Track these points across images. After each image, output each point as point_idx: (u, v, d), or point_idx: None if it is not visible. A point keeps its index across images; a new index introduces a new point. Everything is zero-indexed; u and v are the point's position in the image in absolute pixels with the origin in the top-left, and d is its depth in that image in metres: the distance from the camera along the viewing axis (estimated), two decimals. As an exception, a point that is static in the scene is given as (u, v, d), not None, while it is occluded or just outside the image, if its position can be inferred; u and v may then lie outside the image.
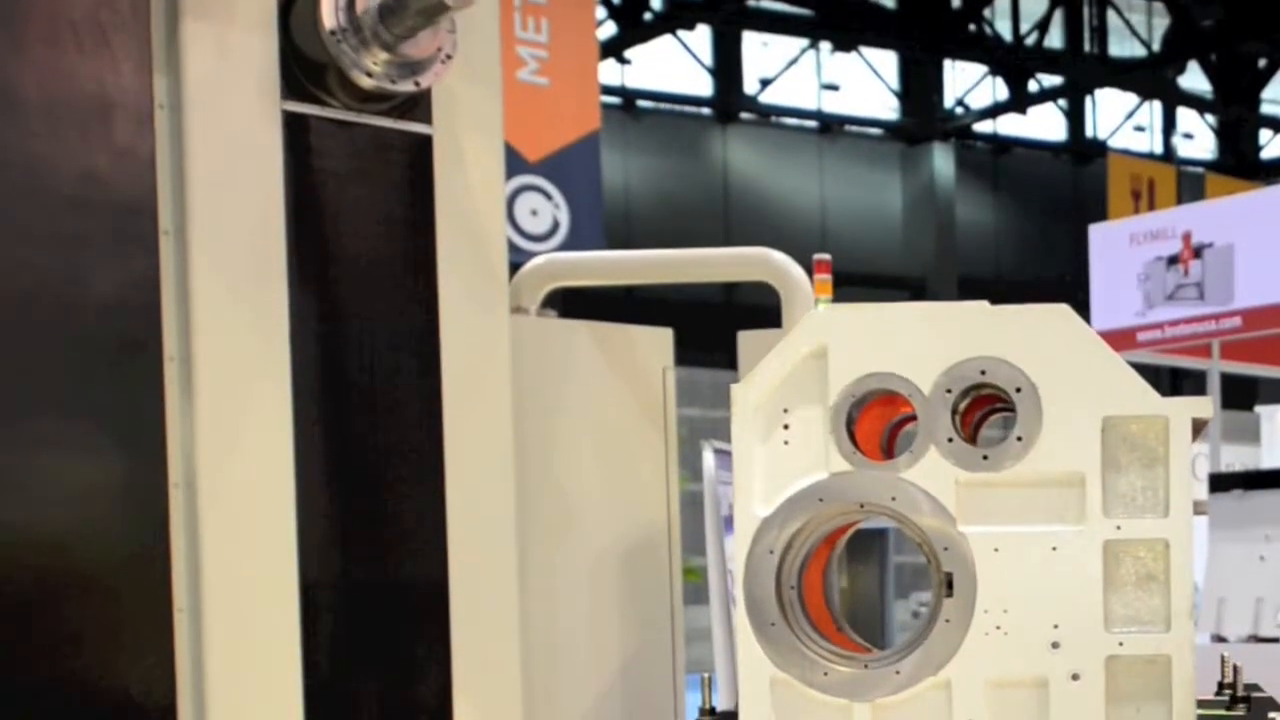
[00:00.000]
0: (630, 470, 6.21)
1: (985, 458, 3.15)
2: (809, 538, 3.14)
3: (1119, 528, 3.16)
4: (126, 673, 5.24)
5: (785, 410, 3.12)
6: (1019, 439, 3.15)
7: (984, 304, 3.20)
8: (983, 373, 3.16)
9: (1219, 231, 16.08)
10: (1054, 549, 3.14)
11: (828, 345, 3.13)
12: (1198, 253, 16.18)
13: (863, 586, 14.70)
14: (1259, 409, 14.93)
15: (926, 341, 3.15)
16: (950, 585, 3.13)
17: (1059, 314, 3.21)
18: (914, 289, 37.59)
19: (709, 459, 8.44)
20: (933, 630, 3.13)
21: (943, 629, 3.13)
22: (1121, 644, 3.15)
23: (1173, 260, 16.42)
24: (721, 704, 3.39)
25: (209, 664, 4.85)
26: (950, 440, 3.14)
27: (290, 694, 4.97)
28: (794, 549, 3.14)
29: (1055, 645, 3.14)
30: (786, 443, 3.12)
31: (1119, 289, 16.63)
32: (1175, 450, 3.20)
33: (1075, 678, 3.14)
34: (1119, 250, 16.93)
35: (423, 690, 5.30)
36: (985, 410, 3.36)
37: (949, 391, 3.15)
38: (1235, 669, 3.28)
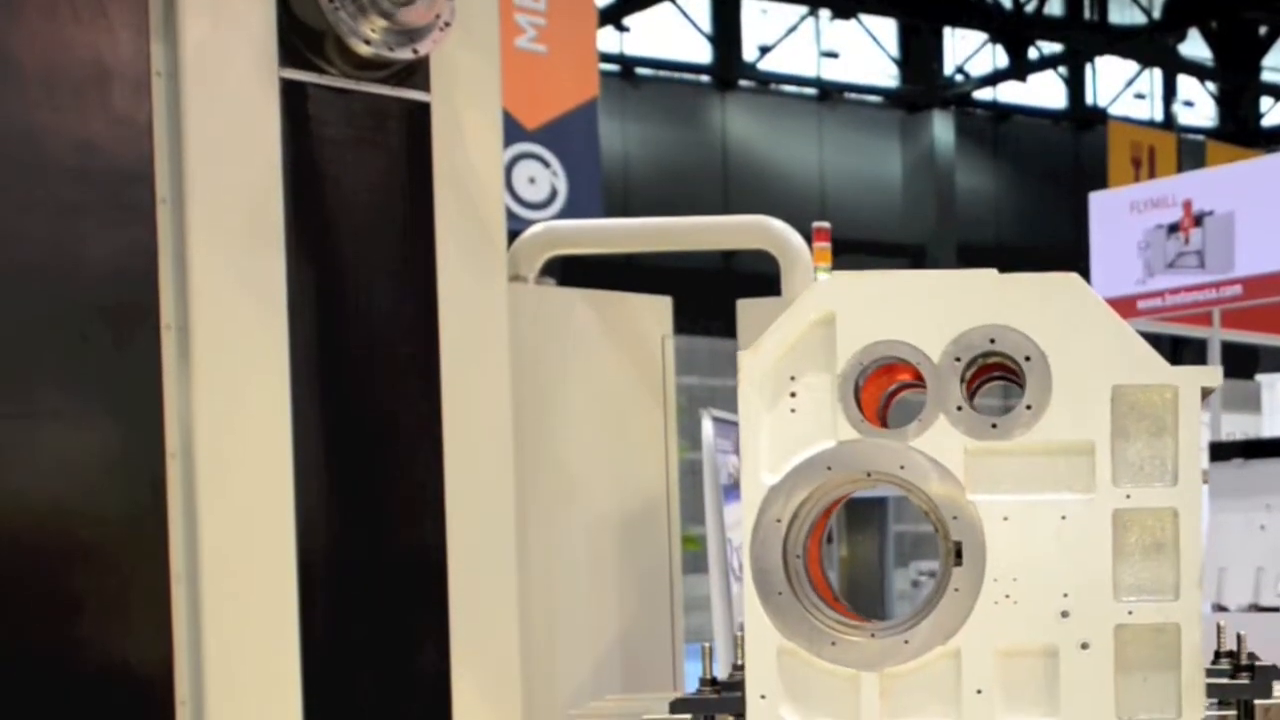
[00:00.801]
0: (629, 439, 6.21)
1: (994, 426, 3.13)
2: (815, 506, 3.13)
3: (1128, 496, 3.15)
4: (123, 640, 5.23)
5: (792, 378, 3.10)
6: (1028, 408, 3.14)
7: (992, 272, 3.18)
8: (992, 341, 3.14)
9: (1220, 199, 16.05)
10: (1063, 518, 3.13)
11: (835, 312, 3.11)
12: (1198, 220, 16.15)
13: (862, 555, 14.70)
14: (1259, 377, 14.93)
15: (935, 309, 3.13)
16: (959, 554, 3.12)
17: (1068, 282, 3.19)
18: (913, 256, 37.56)
19: (708, 427, 8.43)
20: (941, 599, 3.12)
21: (951, 598, 3.12)
22: (1131, 613, 3.14)
23: (1173, 228, 16.39)
24: (720, 673, 3.36)
25: (206, 632, 4.84)
26: (959, 409, 3.13)
27: (287, 662, 4.97)
28: (800, 518, 3.13)
29: (1064, 614, 3.13)
30: (793, 410, 3.10)
31: (1119, 257, 16.60)
32: (1184, 419, 3.19)
33: (1084, 647, 3.13)
34: (1119, 218, 16.89)
35: (421, 658, 5.29)
36: (983, 378, 3.35)
37: (958, 360, 3.14)
38: (1239, 637, 3.28)
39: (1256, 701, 3.24)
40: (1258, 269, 15.68)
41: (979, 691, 3.11)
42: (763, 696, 3.07)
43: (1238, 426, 14.73)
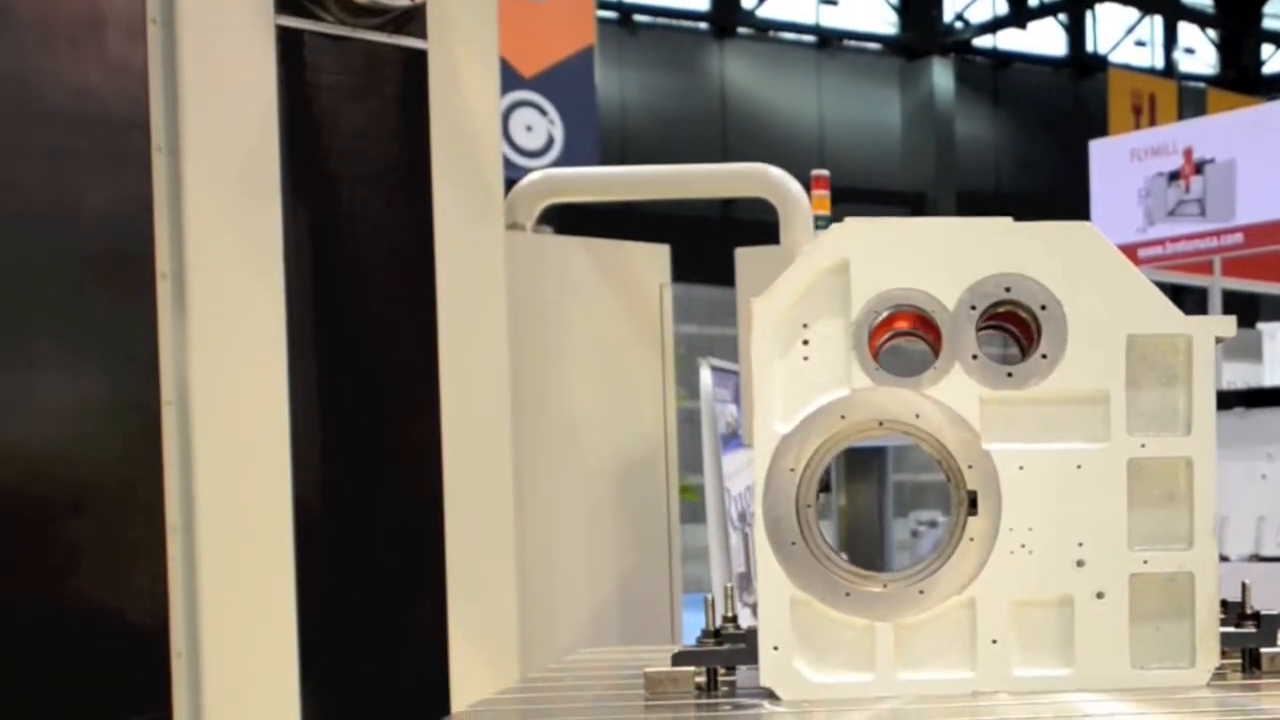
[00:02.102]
0: (627, 388, 6.19)
1: (1010, 375, 3.13)
2: (826, 455, 3.11)
3: (1143, 445, 3.16)
4: (118, 592, 5.23)
5: (805, 325, 3.08)
6: (1043, 357, 3.13)
7: (1007, 220, 3.17)
8: (1007, 289, 3.13)
9: (1221, 147, 16.01)
10: (1079, 467, 3.14)
11: (849, 259, 3.10)
12: (1199, 169, 16.12)
13: (862, 505, 14.72)
14: (1261, 326, 14.88)
15: (950, 257, 3.12)
16: (974, 504, 3.11)
17: (1084, 231, 3.20)
18: (913, 204, 37.55)
19: (706, 376, 8.41)
20: (956, 549, 3.11)
21: (966, 548, 3.11)
22: (1146, 562, 3.15)
23: (1174, 176, 16.37)
24: (716, 623, 3.35)
25: (201, 583, 4.83)
26: (974, 357, 3.12)
27: (283, 611, 4.96)
28: (811, 467, 3.11)
29: (1080, 564, 3.14)
30: (806, 358, 3.08)
31: (1119, 205, 16.57)
32: (1198, 368, 3.22)
33: (1100, 596, 3.14)
34: (1119, 166, 16.87)
35: (418, 608, 5.29)
36: (982, 329, 3.34)
37: (973, 308, 3.13)
38: (1244, 586, 3.28)
39: (1263, 650, 3.26)
40: (1259, 217, 15.66)
41: (994, 642, 3.11)
42: (776, 648, 3.06)
43: (1238, 375, 14.69)
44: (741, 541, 8.15)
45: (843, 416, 3.10)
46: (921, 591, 3.12)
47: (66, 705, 5.12)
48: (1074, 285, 3.16)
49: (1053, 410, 3.16)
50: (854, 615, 3.09)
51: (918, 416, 3.12)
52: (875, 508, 14.96)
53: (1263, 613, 3.31)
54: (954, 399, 3.12)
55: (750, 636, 3.18)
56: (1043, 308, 3.16)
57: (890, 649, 3.09)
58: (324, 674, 5.04)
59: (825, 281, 3.12)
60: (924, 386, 3.12)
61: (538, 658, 5.49)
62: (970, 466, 3.13)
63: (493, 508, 5.42)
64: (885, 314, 3.14)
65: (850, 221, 3.15)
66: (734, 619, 3.32)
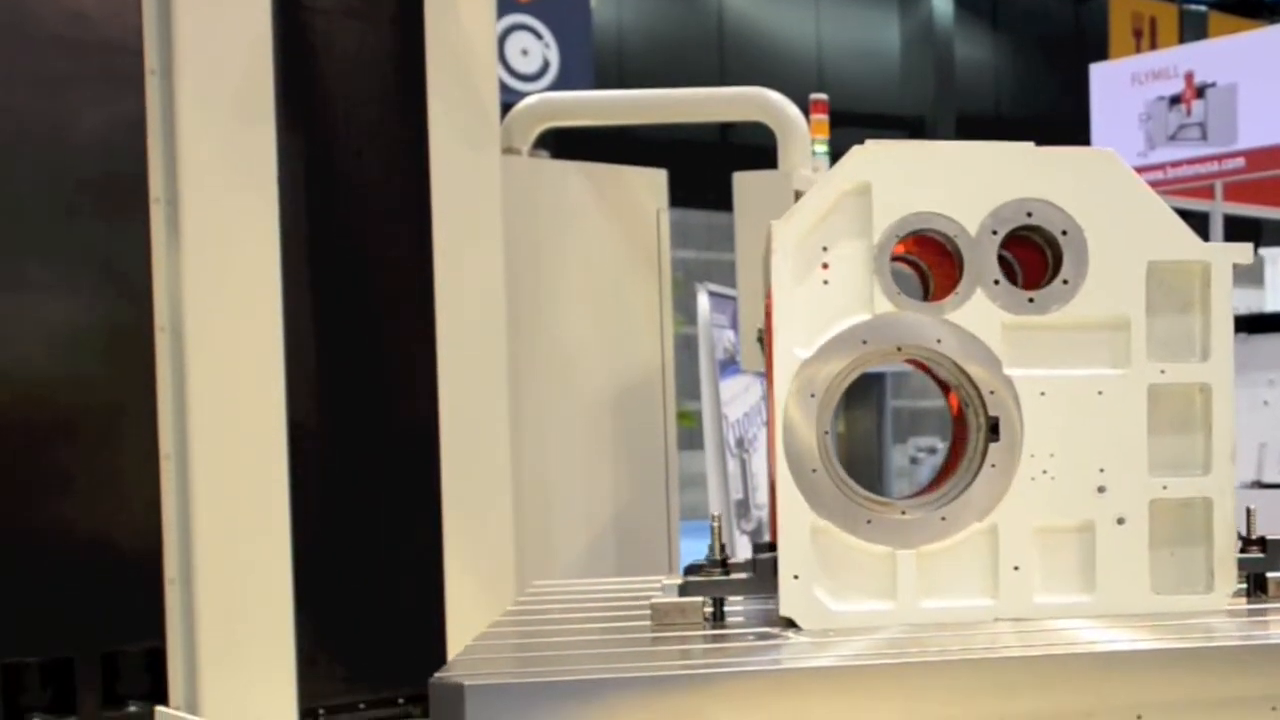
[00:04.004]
0: (623, 313, 6.17)
1: (1031, 301, 3.11)
2: (845, 380, 3.09)
3: (1163, 372, 3.15)
4: (112, 519, 5.23)
5: (824, 249, 3.05)
6: (1064, 282, 3.11)
7: (1029, 145, 3.15)
8: (1029, 215, 3.11)
9: (1222, 71, 15.93)
10: (1099, 393, 3.13)
11: (871, 182, 3.07)
12: (1200, 93, 16.04)
13: (860, 431, 14.69)
14: (1263, 251, 14.86)
15: (972, 181, 3.09)
16: (996, 429, 3.09)
17: (1104, 157, 3.17)
18: (912, 128, 37.42)
19: (703, 302, 8.40)
20: (978, 476, 3.09)
21: (988, 474, 3.09)
22: (1165, 487, 3.15)
23: (1175, 100, 16.29)
24: (719, 552, 3.32)
25: (195, 508, 4.81)
26: (996, 283, 3.09)
27: (278, 539, 4.94)
28: (830, 393, 3.08)
29: (1101, 489, 3.13)
30: (826, 282, 3.05)
31: (1120, 129, 16.50)
32: (1217, 295, 3.22)
33: (1120, 522, 3.13)
34: (1120, 90, 16.79)
35: (412, 532, 5.28)
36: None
37: (995, 233, 3.10)
38: (1248, 512, 3.27)
39: (1269, 575, 3.25)
40: (1260, 141, 15.59)
41: (1016, 568, 3.09)
42: (796, 577, 3.03)
43: (1240, 301, 14.61)
44: (739, 468, 8.14)
45: (864, 341, 3.07)
46: (944, 518, 3.10)
47: (60, 632, 5.13)
48: (1095, 211, 3.14)
49: (1073, 336, 3.14)
50: (875, 543, 3.07)
51: (939, 342, 3.10)
52: (874, 434, 14.92)
53: (1268, 538, 3.30)
54: (975, 324, 3.09)
55: (758, 565, 3.16)
56: (1064, 233, 3.13)
57: (912, 576, 3.07)
58: (318, 599, 5.03)
59: (846, 204, 3.09)
60: (945, 311, 3.10)
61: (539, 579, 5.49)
62: (992, 392, 3.11)
63: (488, 433, 5.40)
64: (907, 238, 3.11)
65: (871, 144, 3.11)
66: (723, 547, 3.29)
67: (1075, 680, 2.67)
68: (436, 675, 2.55)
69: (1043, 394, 3.12)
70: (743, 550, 3.40)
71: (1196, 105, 16.09)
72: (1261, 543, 3.30)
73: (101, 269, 5.25)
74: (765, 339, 3.54)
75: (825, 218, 3.08)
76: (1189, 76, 16.16)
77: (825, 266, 3.07)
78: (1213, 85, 15.97)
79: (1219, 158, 15.92)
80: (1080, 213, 3.13)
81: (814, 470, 3.06)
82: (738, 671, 2.67)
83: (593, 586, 3.82)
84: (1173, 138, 16.22)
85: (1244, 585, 3.28)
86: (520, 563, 5.48)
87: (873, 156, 3.11)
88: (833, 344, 3.07)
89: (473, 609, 5.16)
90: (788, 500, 3.05)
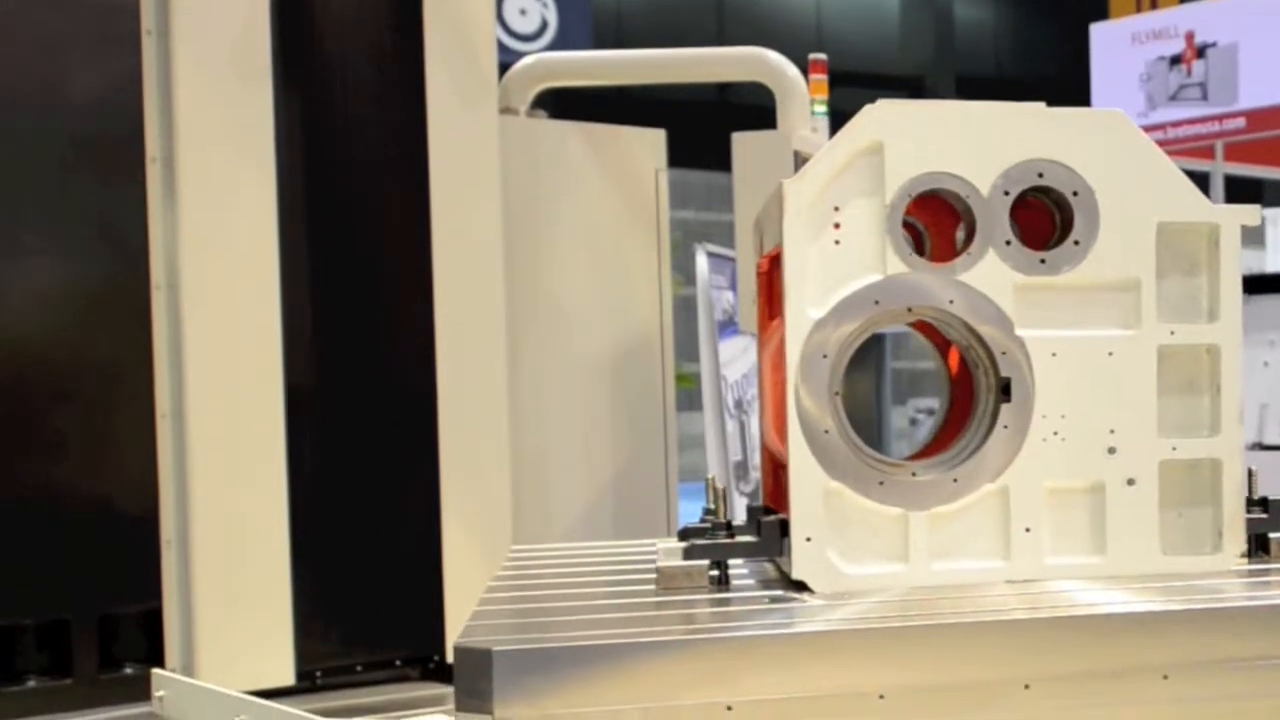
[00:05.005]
0: (622, 274, 6.15)
1: (1043, 261, 3.11)
2: (856, 341, 3.08)
3: (1172, 333, 3.16)
4: (108, 478, 5.21)
5: (836, 208, 3.04)
6: (1076, 243, 3.11)
7: (1040, 105, 3.15)
8: (1040, 175, 3.11)
9: (1223, 30, 15.92)
10: (1110, 354, 3.13)
11: (883, 142, 3.06)
12: (1201, 52, 16.04)
13: (859, 392, 14.66)
14: (1264, 212, 14.87)
15: (984, 141, 3.09)
16: (1007, 390, 3.09)
17: (1115, 119, 3.18)
18: (911, 88, 37.37)
19: (702, 262, 8.37)
20: (990, 437, 3.09)
21: (1000, 435, 3.09)
22: (1175, 449, 3.15)
23: (1175, 60, 16.29)
24: (729, 513, 3.30)
25: (192, 470, 4.80)
26: (1008, 243, 3.09)
27: (274, 500, 4.93)
28: (842, 353, 3.07)
29: (1111, 450, 3.13)
30: (837, 242, 3.04)
31: (1120, 89, 16.50)
32: (1226, 256, 3.24)
33: (1130, 483, 3.14)
34: (1120, 50, 16.79)
35: (410, 492, 5.26)
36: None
37: (1006, 193, 3.09)
38: (1250, 473, 3.27)
39: (1271, 535, 3.26)
40: (1261, 101, 15.60)
41: (1027, 530, 3.10)
42: (809, 539, 3.02)
43: (1241, 262, 14.60)
44: (738, 429, 8.13)
45: (876, 302, 3.07)
46: (955, 480, 3.09)
47: (56, 594, 5.12)
48: (1105, 172, 3.14)
49: (1084, 297, 3.15)
50: (888, 505, 3.07)
51: (951, 302, 3.09)
52: (873, 395, 14.90)
53: (1269, 498, 3.31)
54: (987, 284, 3.09)
55: (764, 528, 3.14)
56: (1075, 194, 3.13)
57: (925, 538, 3.07)
58: (316, 562, 5.02)
59: (858, 163, 3.08)
60: (957, 272, 3.09)
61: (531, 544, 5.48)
62: (1004, 353, 3.11)
63: (486, 394, 5.39)
64: (918, 198, 3.10)
65: (884, 103, 3.11)
66: (713, 510, 3.27)
67: (1105, 641, 2.69)
68: (460, 640, 2.54)
69: (1054, 355, 3.13)
70: (742, 514, 3.38)
71: (1197, 65, 16.08)
72: (1263, 503, 3.31)
73: (98, 229, 5.24)
74: (760, 301, 3.52)
75: (837, 177, 3.07)
76: (1189, 36, 16.14)
77: (837, 226, 3.06)
78: (1213, 45, 15.95)
79: (1220, 118, 15.91)
80: (1091, 173, 3.14)
81: (826, 431, 3.05)
82: (776, 634, 2.68)
83: (574, 551, 3.82)
84: (1173, 98, 16.21)
85: (1246, 546, 3.29)
86: (518, 525, 5.47)
87: (885, 116, 3.10)
88: (845, 304, 3.07)
89: (471, 572, 5.16)
90: (800, 463, 3.04)
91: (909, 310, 3.10)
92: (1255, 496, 3.31)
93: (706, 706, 2.51)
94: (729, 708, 2.52)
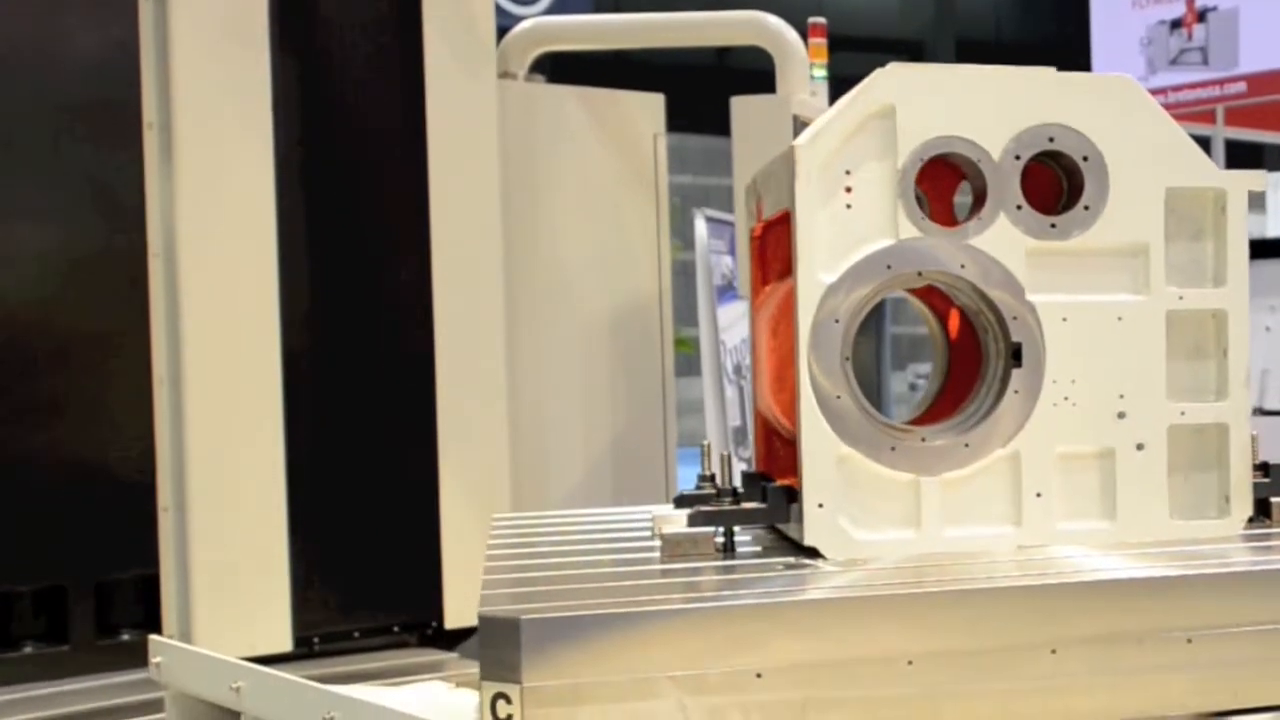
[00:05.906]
0: (620, 239, 6.14)
1: (1054, 226, 3.10)
2: (867, 305, 3.07)
3: (1181, 298, 3.17)
4: (105, 444, 5.20)
5: (847, 172, 3.03)
6: (1086, 208, 3.11)
7: (1051, 70, 3.15)
8: (1051, 140, 3.10)
9: (1224, -6, 15.92)
10: (1119, 319, 3.13)
11: (895, 105, 3.05)
12: (1201, 16, 16.00)
13: (859, 358, 14.64)
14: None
15: (995, 105, 3.09)
16: (1018, 355, 3.08)
17: (1124, 84, 3.18)
18: (911, 52, 37.28)
19: (701, 227, 8.35)
20: (1000, 402, 3.08)
21: (1011, 400, 3.09)
22: (1183, 413, 3.16)
23: (1176, 24, 16.25)
24: (733, 479, 3.29)
25: (189, 435, 4.79)
26: (1019, 208, 3.08)
27: (272, 466, 4.92)
28: (853, 318, 3.06)
29: (1121, 415, 3.14)
30: (849, 206, 3.03)
31: (1121, 53, 16.46)
32: (1233, 221, 3.25)
33: (1140, 448, 3.14)
34: (1121, 13, 16.74)
35: (408, 458, 5.26)
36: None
37: (1017, 158, 3.09)
38: (1253, 438, 3.27)
39: (1272, 500, 3.26)
40: (1262, 65, 15.56)
41: (1038, 495, 3.09)
42: (821, 505, 3.01)
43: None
44: (737, 395, 8.12)
45: (888, 266, 3.06)
46: (967, 445, 3.09)
47: (53, 561, 5.11)
48: (1114, 137, 3.14)
49: (1094, 261, 3.15)
50: (900, 470, 3.06)
51: (963, 267, 3.08)
52: (873, 361, 14.89)
53: (1270, 463, 3.32)
54: (998, 249, 3.09)
55: (770, 494, 3.13)
56: (1085, 159, 3.13)
57: (937, 504, 3.06)
58: (313, 528, 5.02)
59: (869, 127, 3.07)
60: (968, 236, 3.08)
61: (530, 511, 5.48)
62: (1015, 318, 3.10)
63: (485, 359, 5.38)
64: (930, 162, 3.09)
65: (895, 66, 3.09)
66: (711, 478, 3.26)
67: (1130, 606, 2.69)
68: (484, 609, 2.51)
69: (1064, 320, 3.13)
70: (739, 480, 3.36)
71: (1198, 29, 16.04)
72: (1265, 468, 3.32)
73: (95, 194, 5.22)
74: (753, 266, 3.51)
75: (848, 140, 3.06)
76: (1190, 0, 16.09)
77: (848, 190, 3.05)
78: (1214, 9, 15.91)
79: (1220, 82, 15.87)
80: (1101, 138, 3.14)
81: (838, 397, 3.04)
82: (805, 600, 2.67)
83: (562, 519, 3.81)
84: (1174, 62, 16.17)
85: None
86: (516, 490, 5.46)
87: (897, 79, 3.09)
88: (857, 268, 3.05)
89: (469, 538, 5.15)
90: (812, 428, 3.02)
91: (919, 275, 3.09)
92: (1257, 461, 3.31)
93: (737, 673, 2.50)
94: (759, 675, 2.51)
